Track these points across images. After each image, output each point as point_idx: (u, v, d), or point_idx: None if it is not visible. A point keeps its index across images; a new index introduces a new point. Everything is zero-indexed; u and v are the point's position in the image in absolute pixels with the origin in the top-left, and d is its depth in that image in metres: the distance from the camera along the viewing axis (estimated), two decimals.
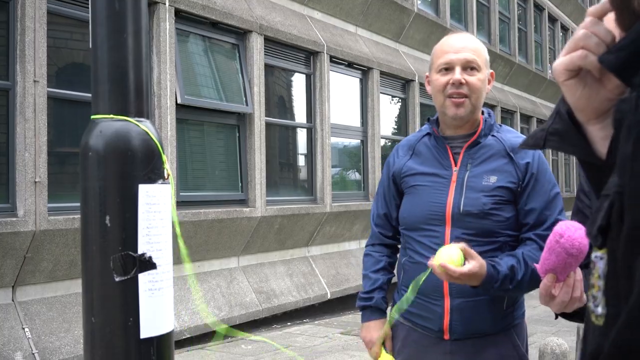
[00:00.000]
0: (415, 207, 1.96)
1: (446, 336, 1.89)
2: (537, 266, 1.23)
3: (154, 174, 1.26)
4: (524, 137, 1.68)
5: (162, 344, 1.25)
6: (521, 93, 16.69)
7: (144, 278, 1.23)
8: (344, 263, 9.21)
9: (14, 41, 5.15)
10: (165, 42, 6.28)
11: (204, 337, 6.45)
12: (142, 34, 1.37)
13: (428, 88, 2.04)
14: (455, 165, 1.93)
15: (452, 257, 1.68)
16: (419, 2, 11.16)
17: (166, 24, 6.31)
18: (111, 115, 1.26)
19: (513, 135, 1.99)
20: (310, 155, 8.65)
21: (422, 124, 10.93)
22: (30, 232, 5.13)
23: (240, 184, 7.46)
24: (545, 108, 18.29)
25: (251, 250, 7.60)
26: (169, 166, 1.38)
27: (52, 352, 5.27)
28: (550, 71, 18.68)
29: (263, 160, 7.53)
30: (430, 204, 1.92)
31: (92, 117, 1.28)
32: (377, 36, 10.42)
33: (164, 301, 1.27)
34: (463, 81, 1.88)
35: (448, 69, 1.92)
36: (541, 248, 1.50)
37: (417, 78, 10.99)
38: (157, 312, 1.23)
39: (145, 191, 1.22)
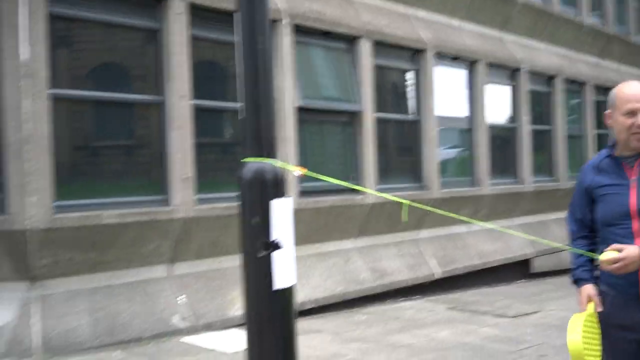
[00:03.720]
0: (608, 209, 2.74)
1: None
2: None
3: (279, 193, 2.15)
4: None
5: (288, 292, 2.15)
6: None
7: (276, 254, 2.13)
8: (452, 245, 9.87)
9: (164, 64, 6.33)
10: (285, 55, 7.26)
11: (323, 308, 7.45)
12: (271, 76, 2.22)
13: (608, 122, 2.80)
14: (632, 176, 2.71)
15: (608, 255, 2.54)
16: None
17: (286, 39, 7.29)
18: (253, 159, 2.16)
19: None
20: (418, 146, 9.37)
21: (531, 110, 11.27)
22: (182, 219, 6.33)
23: (353, 175, 8.35)
24: None
25: (365, 233, 8.48)
26: (294, 163, 2.20)
27: (200, 316, 6.46)
28: None
29: (374, 153, 8.38)
30: (619, 205, 2.70)
31: (242, 160, 2.19)
32: (481, 28, 10.86)
33: (288, 266, 2.15)
34: None
35: (632, 113, 2.67)
36: None
37: (524, 66, 11.33)
38: (284, 273, 2.11)
39: (275, 204, 2.11)
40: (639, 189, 2.64)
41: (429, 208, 4.12)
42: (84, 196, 5.83)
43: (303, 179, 7.59)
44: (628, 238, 2.59)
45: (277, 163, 2.21)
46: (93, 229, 5.70)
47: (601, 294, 2.75)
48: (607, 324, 2.68)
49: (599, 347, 2.69)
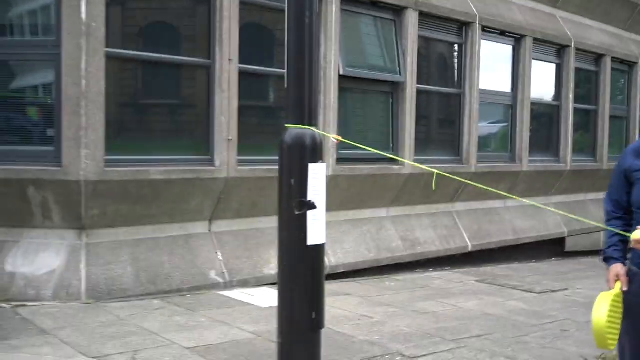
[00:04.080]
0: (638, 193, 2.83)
1: None
2: None
3: (316, 158, 2.34)
4: None
5: (319, 249, 2.36)
6: None
7: (310, 213, 2.32)
8: (487, 219, 9.96)
9: (214, 28, 6.52)
10: (331, 23, 7.38)
11: (355, 273, 7.69)
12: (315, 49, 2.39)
13: None
14: None
15: (639, 234, 2.63)
16: None
17: (332, 7, 7.40)
18: (294, 125, 2.35)
19: None
20: (458, 119, 9.43)
21: (577, 89, 11.16)
22: (224, 179, 6.59)
23: (391, 145, 8.49)
24: None
25: (399, 203, 8.64)
26: (334, 132, 2.40)
27: (237, 273, 6.76)
28: None
29: (413, 124, 8.48)
30: None
31: (286, 125, 2.38)
32: (533, 2, 10.74)
33: (320, 225, 2.35)
34: None
35: None
36: None
37: (573, 43, 11.18)
38: (316, 231, 2.31)
39: (312, 168, 2.30)
40: None
41: (457, 178, 4.27)
42: (133, 152, 6.12)
43: (341, 146, 7.76)
44: None
45: (316, 130, 2.40)
46: (140, 184, 6.01)
47: (630, 274, 2.83)
48: (632, 302, 2.79)
49: (619, 329, 2.81)
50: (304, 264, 2.39)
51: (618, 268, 2.86)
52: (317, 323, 2.39)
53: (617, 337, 2.79)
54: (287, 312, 2.40)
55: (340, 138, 2.55)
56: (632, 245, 2.66)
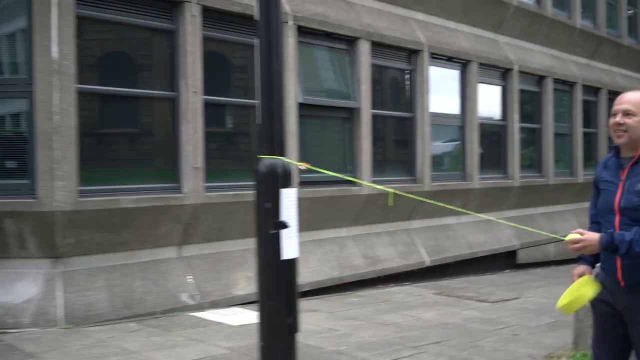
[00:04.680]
0: (602, 202, 3.16)
1: (622, 284, 3.04)
2: None
3: (287, 184, 2.72)
4: None
5: (293, 262, 2.73)
6: (631, 73, 16.85)
7: (283, 232, 2.70)
8: (443, 235, 10.47)
9: (178, 62, 6.89)
10: (288, 54, 7.82)
11: (320, 290, 8.05)
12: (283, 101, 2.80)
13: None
14: (622, 177, 3.09)
15: (571, 236, 2.93)
16: None
17: (289, 40, 7.85)
18: (267, 156, 2.73)
19: None
20: (412, 141, 9.95)
21: (520, 110, 11.84)
22: (192, 205, 6.90)
23: (350, 167, 8.93)
24: None
25: (360, 222, 9.07)
26: (295, 157, 2.76)
27: (207, 294, 7.04)
28: None
29: (369, 147, 8.95)
30: (608, 202, 3.12)
31: (258, 156, 2.76)
32: (477, 29, 11.41)
33: (293, 242, 2.73)
34: (620, 122, 3.05)
35: (614, 114, 3.11)
36: None
37: (516, 67, 11.89)
38: (290, 247, 2.69)
39: (284, 192, 2.68)
40: (624, 189, 3.04)
41: (412, 196, 4.71)
42: (105, 182, 6.41)
43: (303, 170, 8.16)
44: (612, 229, 3.01)
45: (286, 160, 2.79)
46: (112, 212, 6.28)
47: (598, 276, 3.17)
48: (597, 298, 3.12)
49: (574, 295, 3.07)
50: (280, 276, 2.75)
51: (582, 268, 3.19)
52: (293, 327, 2.75)
53: (572, 301, 3.07)
54: (267, 318, 2.75)
55: (308, 165, 2.94)
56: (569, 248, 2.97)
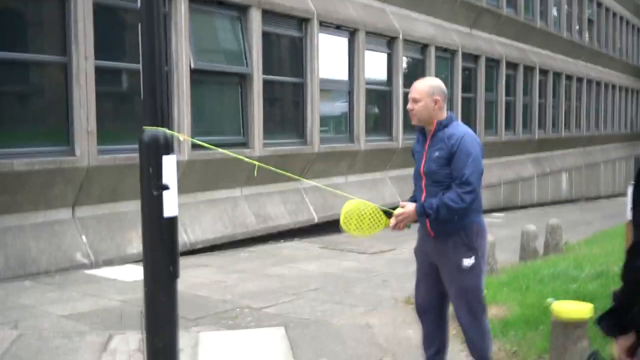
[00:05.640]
0: (414, 170, 3.74)
1: (431, 234, 3.68)
2: None
3: (168, 152, 3.16)
4: (464, 129, 3.59)
5: (173, 220, 3.20)
6: (508, 41, 18.12)
7: (165, 193, 3.15)
8: (331, 194, 11.16)
9: (69, 28, 7.01)
10: (181, 21, 8.08)
11: (212, 247, 8.53)
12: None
13: None
14: (425, 146, 3.70)
15: (398, 210, 3.56)
16: None
17: (182, 6, 8.09)
18: (150, 127, 3.16)
19: (454, 129, 3.66)
20: (302, 106, 10.50)
21: (405, 75, 12.63)
22: (85, 168, 7.14)
23: (242, 130, 9.37)
24: (534, 55, 19.69)
25: (252, 183, 9.57)
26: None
27: (101, 253, 7.35)
28: (539, 19, 19.97)
29: (261, 111, 9.41)
30: (417, 167, 3.71)
31: (144, 127, 3.18)
32: None
33: (173, 202, 3.19)
34: (410, 108, 3.67)
35: (410, 100, 3.72)
36: (455, 191, 3.42)
37: (401, 35, 12.62)
38: (170, 206, 3.15)
39: (165, 159, 3.13)
40: (427, 156, 3.67)
41: (269, 167, 5.18)
42: None
43: (196, 132, 8.52)
44: (420, 191, 3.67)
45: (167, 131, 3.22)
46: (5, 175, 6.43)
47: (418, 231, 3.83)
48: (417, 248, 3.83)
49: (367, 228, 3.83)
50: (162, 232, 3.21)
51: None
52: (173, 273, 3.23)
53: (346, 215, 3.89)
54: (151, 267, 3.21)
55: (187, 137, 3.38)
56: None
